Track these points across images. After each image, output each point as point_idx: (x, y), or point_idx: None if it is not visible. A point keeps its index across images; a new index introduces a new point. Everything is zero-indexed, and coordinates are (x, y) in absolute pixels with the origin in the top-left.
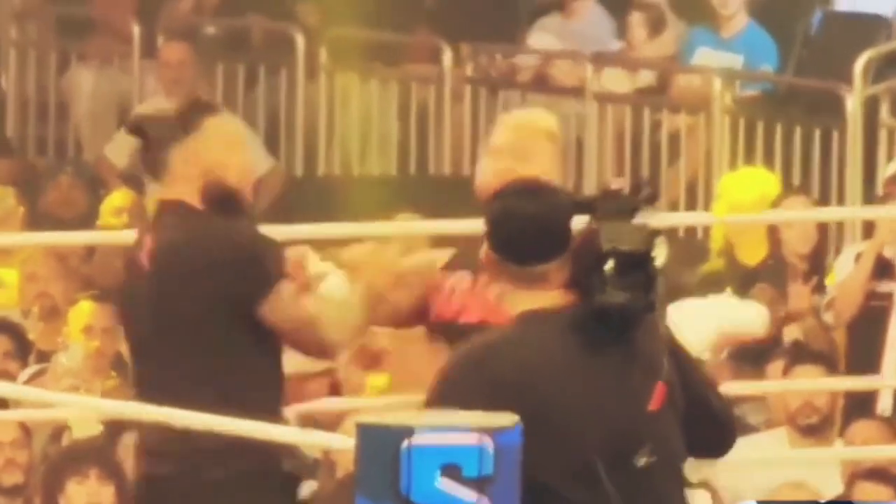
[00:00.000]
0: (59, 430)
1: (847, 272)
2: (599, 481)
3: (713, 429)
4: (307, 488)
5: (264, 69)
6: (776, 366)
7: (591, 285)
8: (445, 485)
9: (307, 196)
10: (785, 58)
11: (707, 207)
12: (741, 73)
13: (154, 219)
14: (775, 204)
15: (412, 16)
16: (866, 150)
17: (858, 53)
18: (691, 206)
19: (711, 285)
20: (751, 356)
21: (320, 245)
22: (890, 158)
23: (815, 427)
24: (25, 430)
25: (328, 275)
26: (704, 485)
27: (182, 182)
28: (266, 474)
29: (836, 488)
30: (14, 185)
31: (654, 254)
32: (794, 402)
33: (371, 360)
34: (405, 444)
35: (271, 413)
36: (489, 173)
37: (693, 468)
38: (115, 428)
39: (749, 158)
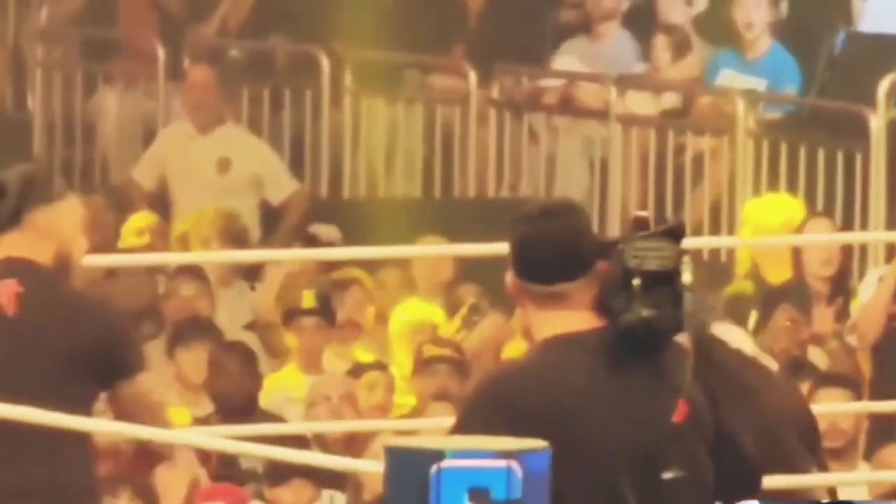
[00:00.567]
0: None
1: (870, 294)
2: (623, 501)
3: (740, 470)
4: None
5: (289, 92)
6: (800, 389)
7: (618, 304)
8: None
9: (332, 219)
10: (809, 79)
11: (731, 230)
12: (765, 96)
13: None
14: (800, 228)
15: (439, 38)
16: (890, 173)
17: (883, 75)
18: (715, 228)
19: (737, 307)
20: None
21: (343, 266)
22: None
23: (840, 450)
24: None
25: None
26: None
27: (37, 243)
28: None
29: None
30: None
31: (681, 271)
32: (819, 426)
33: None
34: (434, 467)
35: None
36: None
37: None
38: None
39: (772, 181)
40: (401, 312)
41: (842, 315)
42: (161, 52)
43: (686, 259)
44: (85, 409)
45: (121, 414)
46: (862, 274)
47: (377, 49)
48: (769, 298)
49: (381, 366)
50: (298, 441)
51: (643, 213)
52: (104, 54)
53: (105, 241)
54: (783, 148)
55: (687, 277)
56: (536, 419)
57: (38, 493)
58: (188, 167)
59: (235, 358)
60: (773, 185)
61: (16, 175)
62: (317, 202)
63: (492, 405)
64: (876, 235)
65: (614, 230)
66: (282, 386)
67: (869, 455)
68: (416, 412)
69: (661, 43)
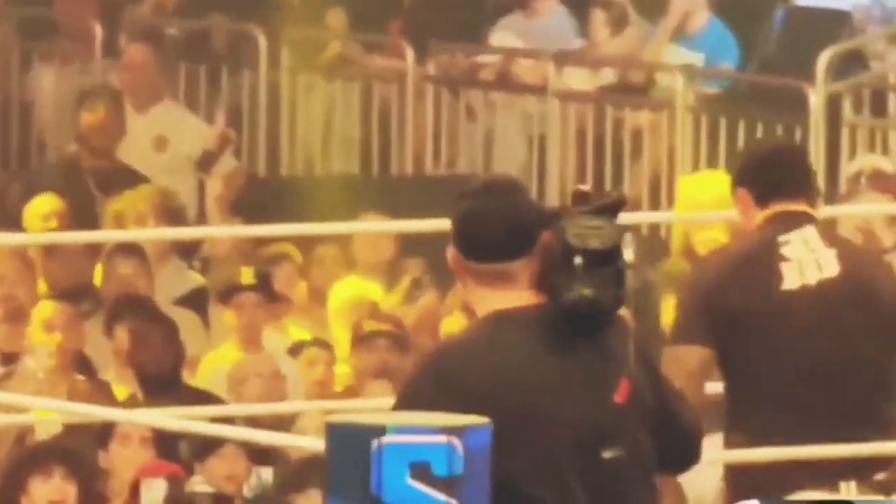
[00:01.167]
0: (22, 432)
1: None
2: (566, 479)
3: (679, 442)
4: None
5: (226, 70)
6: None
7: (560, 282)
8: (415, 484)
9: (270, 196)
10: (748, 54)
11: (670, 205)
12: (703, 71)
13: None
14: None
15: (376, 16)
16: (829, 147)
17: (822, 49)
18: (654, 203)
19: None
20: None
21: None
22: (852, 156)
23: None
24: None
25: None
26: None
27: None
28: None
29: None
30: None
31: (622, 249)
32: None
33: None
34: (375, 443)
35: None
36: None
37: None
38: (103, 435)
39: (712, 156)
40: (339, 289)
41: None
42: (98, 31)
43: (628, 236)
44: None
45: None
46: None
47: (314, 27)
48: None
49: (320, 342)
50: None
51: (584, 187)
52: (41, 33)
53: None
54: (722, 123)
55: (628, 255)
56: (477, 395)
57: None
58: (125, 145)
59: (158, 332)
60: (712, 160)
61: None
62: (254, 180)
63: (433, 380)
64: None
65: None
66: (220, 364)
67: None
68: (355, 388)
69: (598, 18)
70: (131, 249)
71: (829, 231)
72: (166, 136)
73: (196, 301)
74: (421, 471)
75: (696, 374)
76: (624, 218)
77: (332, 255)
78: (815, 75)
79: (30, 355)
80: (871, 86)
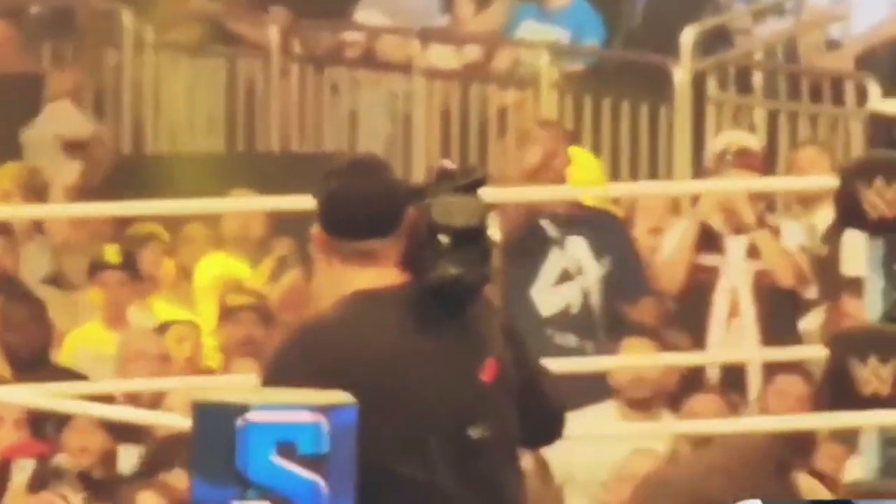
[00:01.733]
0: None
1: (672, 246)
2: (432, 458)
3: (544, 417)
4: None
5: (91, 48)
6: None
7: (425, 261)
8: (281, 462)
9: (136, 174)
10: (613, 31)
11: None
12: (568, 48)
13: None
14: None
15: None
16: (695, 125)
17: (686, 26)
18: None
19: None
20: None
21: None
22: (717, 132)
23: (645, 401)
24: None
25: None
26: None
27: None
28: None
29: None
30: None
31: (487, 228)
32: (624, 376)
33: None
34: (241, 421)
35: None
36: None
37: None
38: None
39: (577, 133)
40: (206, 267)
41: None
42: None
43: (493, 215)
44: None
45: None
46: None
47: (178, 4)
48: None
49: (188, 320)
50: (104, 397)
51: (448, 164)
52: None
53: None
54: (587, 100)
55: (494, 233)
56: (343, 374)
57: None
58: None
59: (25, 310)
60: (577, 137)
61: None
62: (120, 158)
63: (299, 358)
64: (683, 185)
65: None
66: (85, 342)
67: (677, 405)
68: (223, 364)
69: None
70: None
71: None
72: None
73: (62, 280)
74: (287, 449)
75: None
76: (490, 195)
77: (200, 233)
78: (680, 52)
79: None
80: (737, 63)
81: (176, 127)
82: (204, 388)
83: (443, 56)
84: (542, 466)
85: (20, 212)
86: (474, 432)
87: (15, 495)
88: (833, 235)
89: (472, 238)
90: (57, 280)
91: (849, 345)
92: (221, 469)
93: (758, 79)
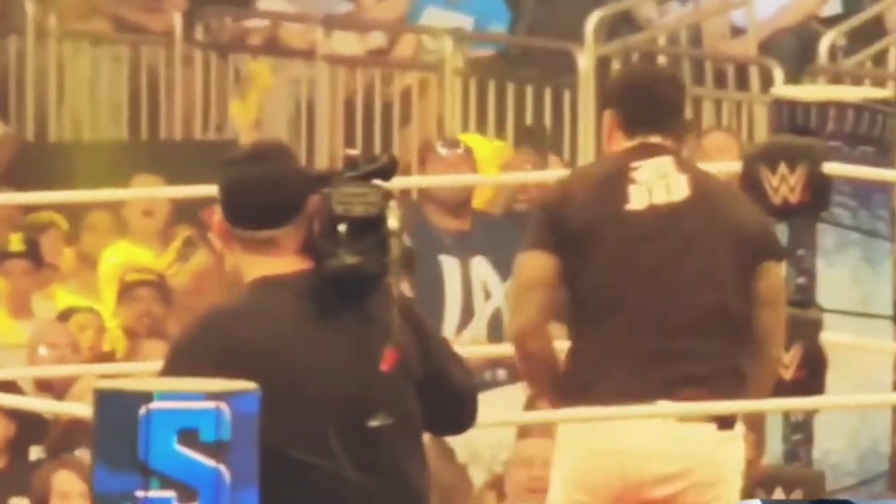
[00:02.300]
0: None
1: None
2: (332, 447)
3: (453, 405)
4: None
5: None
6: None
7: (324, 249)
8: (183, 450)
9: (39, 163)
10: (517, 17)
11: None
12: (472, 34)
13: None
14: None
15: None
16: (599, 110)
17: (590, 11)
18: (424, 169)
19: None
20: None
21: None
22: None
23: None
24: None
25: None
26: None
27: None
28: None
29: None
30: None
31: (387, 217)
32: None
33: None
34: (143, 409)
35: None
36: None
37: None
38: None
39: (481, 119)
40: (109, 255)
41: None
42: None
43: (393, 203)
44: None
45: None
46: None
47: None
48: None
49: (90, 308)
50: (9, 387)
51: (353, 152)
52: None
53: None
54: (491, 86)
55: (393, 223)
56: (244, 361)
57: None
58: None
59: None
60: (481, 124)
61: None
62: (23, 146)
63: (201, 346)
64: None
65: None
66: None
67: None
68: (127, 348)
69: None
70: None
71: (685, 160)
72: None
73: None
74: (189, 437)
75: (534, 279)
76: (394, 183)
77: (103, 221)
78: (584, 38)
79: None
80: (641, 48)
81: (79, 115)
82: (109, 376)
83: (346, 43)
84: (444, 452)
85: None
86: (374, 421)
87: None
88: None
89: (370, 227)
90: None
91: None
92: (124, 457)
93: (662, 64)
